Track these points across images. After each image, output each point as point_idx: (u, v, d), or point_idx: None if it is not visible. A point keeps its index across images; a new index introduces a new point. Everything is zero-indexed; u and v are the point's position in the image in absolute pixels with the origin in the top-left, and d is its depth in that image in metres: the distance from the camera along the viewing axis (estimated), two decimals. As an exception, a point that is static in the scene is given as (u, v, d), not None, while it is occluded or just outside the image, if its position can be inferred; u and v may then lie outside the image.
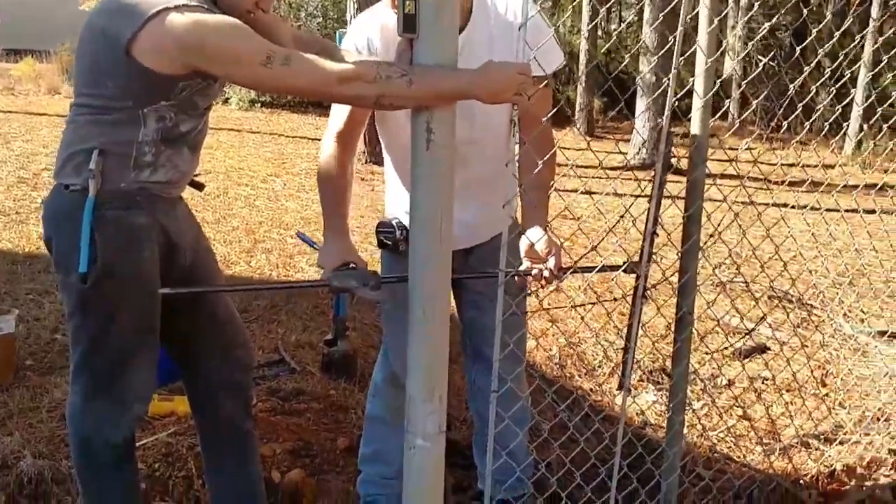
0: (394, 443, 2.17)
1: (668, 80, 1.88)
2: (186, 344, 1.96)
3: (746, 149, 2.28)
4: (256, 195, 6.78)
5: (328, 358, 3.28)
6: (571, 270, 1.91)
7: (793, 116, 2.31)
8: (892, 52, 2.74)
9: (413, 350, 1.57)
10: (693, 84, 2.01)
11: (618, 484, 2.05)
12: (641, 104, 9.69)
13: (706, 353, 3.49)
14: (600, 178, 7.03)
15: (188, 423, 2.64)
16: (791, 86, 2.19)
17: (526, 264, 1.91)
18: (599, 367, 3.47)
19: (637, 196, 2.09)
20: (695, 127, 2.10)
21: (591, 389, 3.24)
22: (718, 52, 2.05)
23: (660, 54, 8.48)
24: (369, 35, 1.87)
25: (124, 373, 1.78)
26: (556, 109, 1.96)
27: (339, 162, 1.92)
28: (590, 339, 3.76)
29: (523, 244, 1.92)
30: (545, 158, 1.85)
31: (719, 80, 2.08)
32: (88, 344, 1.76)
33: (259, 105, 12.62)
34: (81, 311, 1.74)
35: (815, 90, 2.70)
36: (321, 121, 11.94)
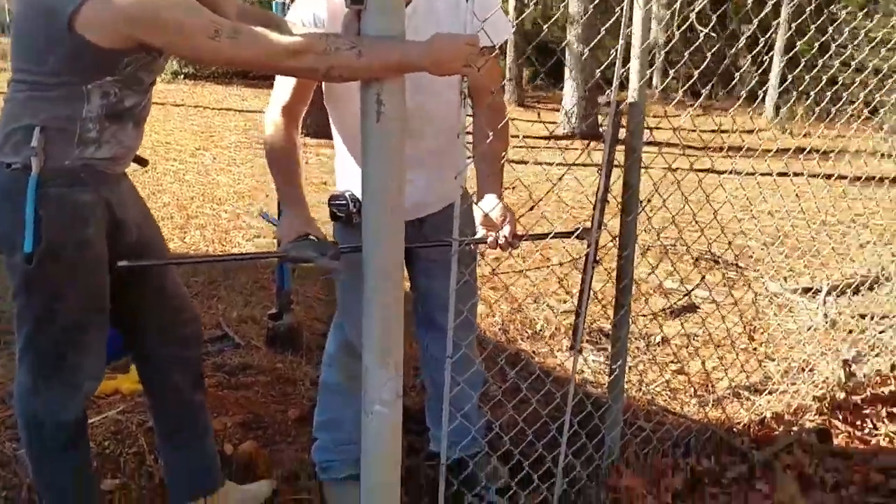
0: (349, 410, 2.21)
1: (616, 51, 1.93)
2: (135, 319, 1.94)
3: (672, 115, 2.37)
4: (186, 170, 6.64)
5: (273, 331, 3.27)
6: (526, 238, 1.97)
7: (714, 84, 2.40)
8: (803, 18, 2.85)
9: (368, 319, 1.60)
10: (617, 54, 2.07)
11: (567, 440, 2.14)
12: (567, 73, 9.81)
13: (643, 315, 3.63)
14: (535, 147, 7.14)
15: (135, 401, 2.62)
16: (708, 53, 2.27)
17: (481, 232, 1.96)
18: (542, 330, 3.56)
19: (570, 165, 2.15)
20: (632, 96, 2.17)
21: (534, 352, 3.33)
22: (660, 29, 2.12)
23: (596, 27, 8.57)
24: (315, 8, 1.87)
25: (74, 352, 1.75)
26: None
27: (288, 134, 1.92)
28: (530, 304, 3.85)
29: (478, 213, 1.96)
30: (497, 129, 1.89)
31: (651, 50, 2.14)
32: (34, 324, 1.73)
33: (182, 77, 12.29)
34: (26, 291, 1.71)
35: (736, 57, 2.80)
36: (247, 92, 11.71)
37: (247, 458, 2.38)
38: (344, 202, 2.03)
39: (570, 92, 9.80)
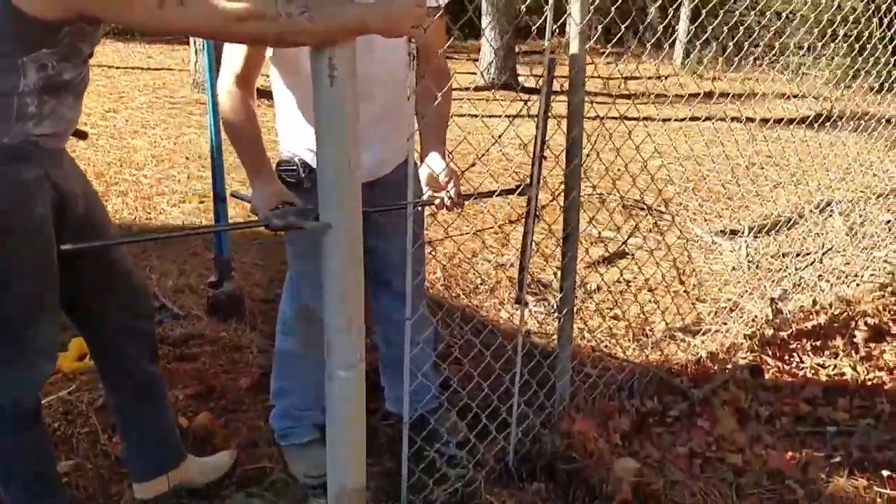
0: (308, 375, 2.23)
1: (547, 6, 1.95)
2: (87, 296, 1.89)
3: (591, 63, 2.41)
4: (98, 134, 6.35)
5: (214, 299, 3.22)
6: (473, 197, 2.00)
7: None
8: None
9: (329, 284, 1.61)
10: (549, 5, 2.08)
11: (518, 390, 2.22)
12: (486, 22, 9.77)
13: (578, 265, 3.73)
14: (458, 99, 7.12)
15: (81, 379, 2.56)
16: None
17: (427, 193, 1.98)
18: (482, 284, 3.63)
19: (513, 117, 2.18)
20: (573, 49, 2.20)
21: (477, 306, 3.40)
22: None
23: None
24: None
25: (27, 334, 1.70)
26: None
27: (246, 105, 1.87)
28: (467, 261, 3.91)
29: (423, 173, 1.98)
30: (444, 90, 1.90)
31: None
32: (-17, 308, 1.67)
33: (81, 35, 11.62)
34: (-28, 274, 1.64)
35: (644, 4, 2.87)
36: (151, 49, 11.20)
37: (203, 430, 2.37)
38: (294, 167, 2.02)
39: (487, 43, 9.77)
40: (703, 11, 2.96)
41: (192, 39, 7.54)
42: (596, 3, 2.24)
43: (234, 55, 1.85)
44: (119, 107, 7.48)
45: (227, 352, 2.92)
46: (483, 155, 3.98)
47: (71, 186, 1.77)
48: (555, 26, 2.04)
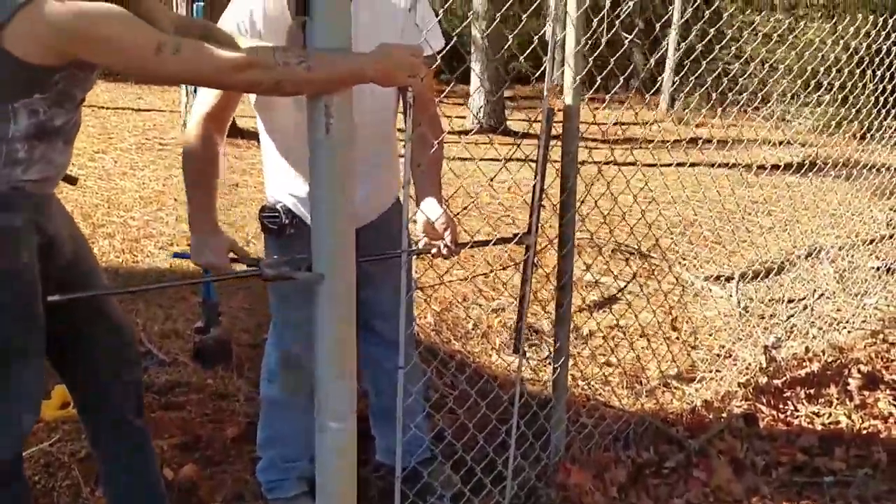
0: (294, 425, 2.18)
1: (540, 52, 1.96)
2: (72, 342, 1.84)
3: (593, 115, 2.42)
4: (86, 175, 6.32)
5: (201, 345, 3.16)
6: (469, 245, 1.98)
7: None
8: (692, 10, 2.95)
9: (322, 334, 1.58)
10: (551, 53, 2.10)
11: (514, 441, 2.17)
12: (476, 69, 9.88)
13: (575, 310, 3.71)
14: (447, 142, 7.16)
15: (62, 429, 2.49)
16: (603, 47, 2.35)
17: (424, 240, 1.96)
18: (474, 329, 3.59)
19: (507, 160, 2.18)
20: (568, 100, 2.21)
21: (468, 352, 3.35)
22: (589, 34, 2.17)
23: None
24: (252, 11, 1.81)
25: (11, 386, 1.65)
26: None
27: (211, 145, 1.84)
28: (458, 306, 3.87)
29: (420, 220, 1.96)
30: (440, 137, 1.89)
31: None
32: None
33: (71, 76, 11.65)
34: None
35: (631, 51, 2.90)
36: (142, 90, 11.24)
37: (188, 482, 2.31)
38: (276, 214, 1.99)
39: (476, 87, 9.87)
40: (687, 62, 2.99)
41: (182, 81, 7.57)
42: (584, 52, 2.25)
43: (208, 93, 1.83)
44: (108, 148, 7.46)
45: (214, 400, 2.86)
46: (474, 201, 3.96)
47: (59, 232, 1.74)
48: (536, 73, 2.05)
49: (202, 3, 2.86)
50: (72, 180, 1.85)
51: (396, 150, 2.13)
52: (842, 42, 3.82)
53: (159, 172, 6.64)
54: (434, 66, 1.92)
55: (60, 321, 1.75)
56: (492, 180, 2.34)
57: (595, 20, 2.33)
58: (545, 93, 2.11)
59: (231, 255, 1.89)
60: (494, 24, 8.66)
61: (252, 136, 8.38)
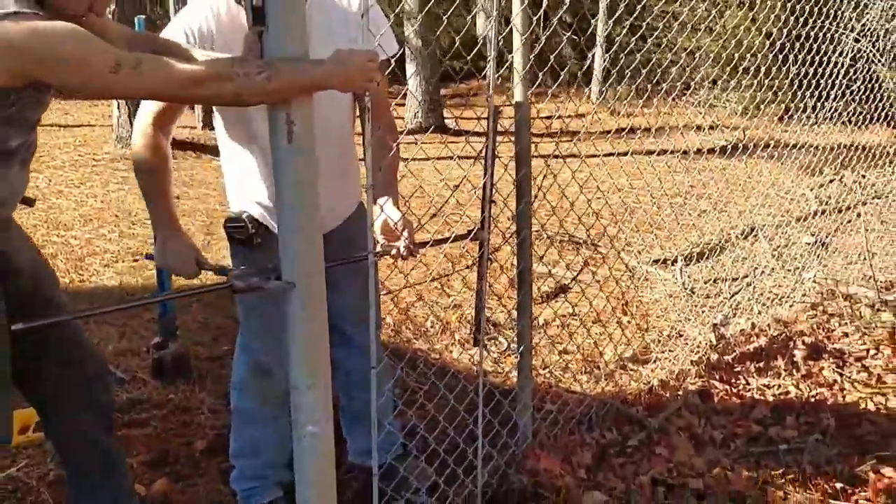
0: (266, 432, 2.19)
1: (492, 56, 2.01)
2: (40, 367, 1.82)
3: (507, 104, 2.47)
4: (20, 196, 6.14)
5: (159, 361, 3.13)
6: (428, 245, 2.02)
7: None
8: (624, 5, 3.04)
9: (295, 342, 1.60)
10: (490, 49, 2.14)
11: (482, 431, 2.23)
12: (411, 68, 9.92)
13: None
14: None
15: (29, 454, 2.45)
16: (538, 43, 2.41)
17: (382, 242, 1.99)
18: (433, 327, 3.63)
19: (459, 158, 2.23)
20: (517, 97, 2.27)
21: (429, 349, 3.40)
22: (529, 30, 2.23)
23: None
24: (203, 21, 1.82)
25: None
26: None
27: (161, 150, 1.86)
28: (415, 306, 3.91)
29: (378, 223, 1.99)
30: (397, 140, 1.93)
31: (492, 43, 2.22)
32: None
33: (-7, 94, 11.24)
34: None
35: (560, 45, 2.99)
36: (69, 105, 10.93)
37: (162, 497, 2.29)
38: (242, 224, 2.00)
39: (415, 87, 9.90)
40: (612, 51, 3.07)
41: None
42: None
43: (151, 101, 1.83)
44: (40, 167, 7.25)
45: (178, 414, 2.84)
46: (441, 205, 4.02)
47: (19, 256, 1.72)
48: (473, 72, 2.10)
49: (143, 17, 2.82)
50: (29, 202, 1.83)
51: (356, 155, 2.16)
52: (763, 29, 3.98)
53: (96, 189, 6.49)
54: (388, 71, 1.96)
55: (27, 346, 1.73)
56: (462, 180, 2.38)
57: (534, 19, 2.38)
58: (490, 91, 2.17)
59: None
60: (421, 17, 8.71)
61: (188, 147, 8.29)
